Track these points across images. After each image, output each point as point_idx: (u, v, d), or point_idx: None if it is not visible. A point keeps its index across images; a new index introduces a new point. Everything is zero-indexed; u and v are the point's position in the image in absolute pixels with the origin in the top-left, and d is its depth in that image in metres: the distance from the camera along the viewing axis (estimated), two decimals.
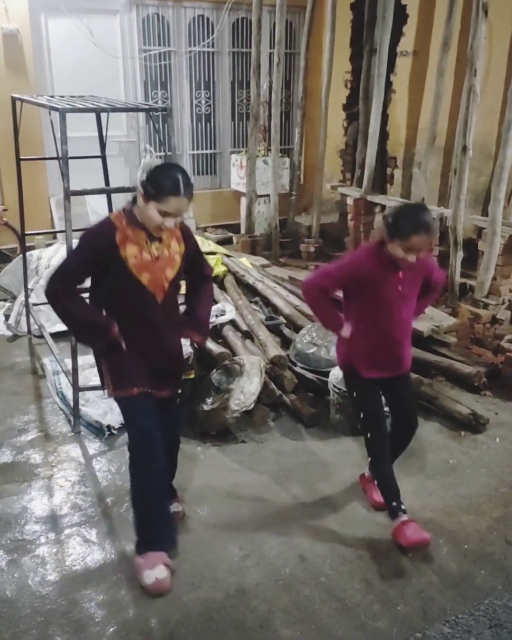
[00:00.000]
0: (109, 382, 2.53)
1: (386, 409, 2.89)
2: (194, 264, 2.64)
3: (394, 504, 2.73)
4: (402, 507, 2.73)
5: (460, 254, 5.16)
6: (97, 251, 2.38)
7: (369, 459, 2.85)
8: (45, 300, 4.98)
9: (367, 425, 2.80)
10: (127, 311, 2.46)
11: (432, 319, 4.48)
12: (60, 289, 2.39)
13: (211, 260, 5.21)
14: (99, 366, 2.62)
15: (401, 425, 2.91)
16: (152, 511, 2.53)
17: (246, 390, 3.45)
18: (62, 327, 4.61)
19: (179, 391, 2.73)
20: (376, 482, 2.87)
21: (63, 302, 2.43)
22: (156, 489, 2.52)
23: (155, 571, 2.45)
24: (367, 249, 2.66)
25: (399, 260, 2.51)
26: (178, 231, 2.52)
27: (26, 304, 4.78)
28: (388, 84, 6.26)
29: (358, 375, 2.73)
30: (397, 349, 2.71)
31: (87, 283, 2.50)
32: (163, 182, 2.28)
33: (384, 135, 6.49)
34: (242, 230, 7.14)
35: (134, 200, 2.40)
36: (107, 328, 2.42)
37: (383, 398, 2.84)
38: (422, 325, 4.34)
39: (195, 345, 2.88)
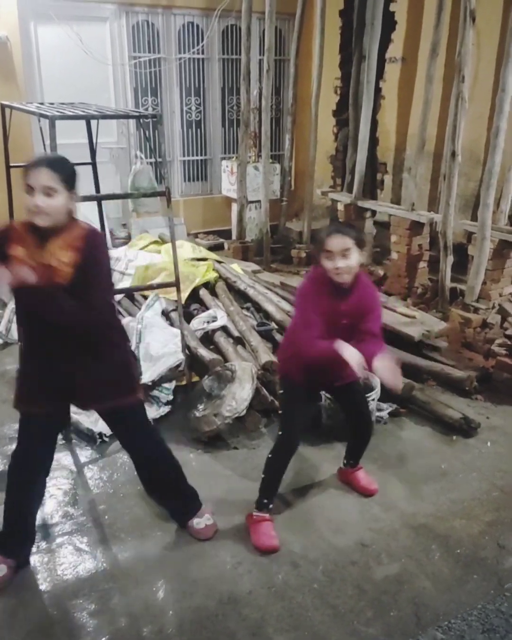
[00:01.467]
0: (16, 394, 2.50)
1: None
2: (80, 285, 2.23)
3: (266, 500, 2.81)
4: (271, 506, 2.82)
5: (450, 259, 5.19)
6: None
7: (269, 456, 2.83)
8: None
9: (282, 425, 2.86)
10: (24, 316, 2.40)
11: (423, 324, 4.50)
12: None
13: (202, 266, 5.22)
14: None
15: (357, 423, 3.02)
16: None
17: (238, 396, 3.45)
18: None
19: (128, 404, 2.53)
20: (263, 478, 2.84)
21: None
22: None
23: None
24: (315, 277, 2.63)
25: (331, 272, 2.50)
26: (79, 240, 2.25)
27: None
28: (377, 90, 6.30)
29: (292, 383, 2.80)
30: (335, 370, 2.66)
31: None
32: (26, 166, 2.22)
33: (374, 141, 6.52)
34: (234, 236, 7.16)
35: None
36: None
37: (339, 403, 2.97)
38: (413, 330, 4.36)
39: None
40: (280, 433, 2.83)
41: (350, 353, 2.43)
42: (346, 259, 2.48)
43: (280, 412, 2.94)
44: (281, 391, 2.94)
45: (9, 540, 2.59)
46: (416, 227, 5.54)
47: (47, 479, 2.69)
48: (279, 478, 2.85)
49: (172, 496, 2.81)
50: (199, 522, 2.80)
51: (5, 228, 2.33)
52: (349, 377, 2.75)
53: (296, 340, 2.66)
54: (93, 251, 2.27)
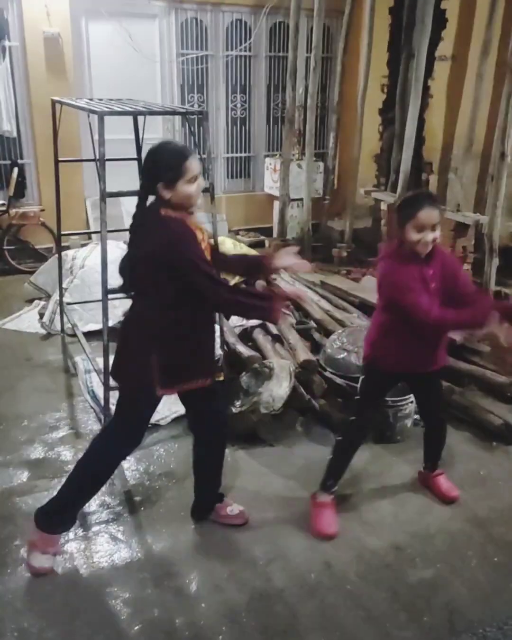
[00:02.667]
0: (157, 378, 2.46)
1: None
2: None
3: (331, 482, 2.88)
4: (335, 489, 2.89)
5: (495, 262, 5.09)
6: (197, 240, 2.39)
7: (338, 438, 2.90)
8: (79, 300, 5.06)
9: (358, 410, 2.87)
10: (192, 298, 2.41)
11: None
12: (223, 289, 2.39)
13: None
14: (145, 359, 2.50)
15: (429, 426, 3.02)
16: (89, 498, 2.72)
17: (275, 394, 3.44)
18: (94, 326, 4.70)
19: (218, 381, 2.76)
20: (330, 459, 2.90)
21: (229, 297, 2.42)
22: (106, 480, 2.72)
23: (44, 558, 2.57)
24: (389, 254, 2.62)
25: (419, 244, 2.49)
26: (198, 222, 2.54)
27: (60, 303, 4.85)
28: (425, 89, 6.20)
29: (377, 370, 2.77)
30: (429, 348, 2.71)
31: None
32: (172, 159, 2.29)
33: (420, 141, 6.43)
34: (275, 234, 7.15)
35: (159, 203, 2.37)
36: (269, 302, 2.45)
37: (414, 397, 2.93)
38: (455, 333, 4.28)
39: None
40: (353, 418, 2.86)
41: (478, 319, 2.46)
42: (435, 231, 2.49)
43: (358, 397, 2.89)
44: (364, 377, 2.89)
45: (69, 520, 2.67)
46: (460, 229, 5.45)
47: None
48: (348, 461, 2.91)
49: (216, 486, 2.88)
50: (232, 509, 2.87)
51: (182, 221, 2.37)
52: (439, 363, 2.78)
53: (414, 312, 2.47)
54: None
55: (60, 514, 2.62)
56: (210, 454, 2.81)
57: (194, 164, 2.31)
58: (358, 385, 2.92)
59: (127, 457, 3.26)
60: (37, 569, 2.56)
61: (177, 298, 2.39)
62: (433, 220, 2.47)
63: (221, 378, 3.89)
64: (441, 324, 2.54)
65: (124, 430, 2.62)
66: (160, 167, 2.30)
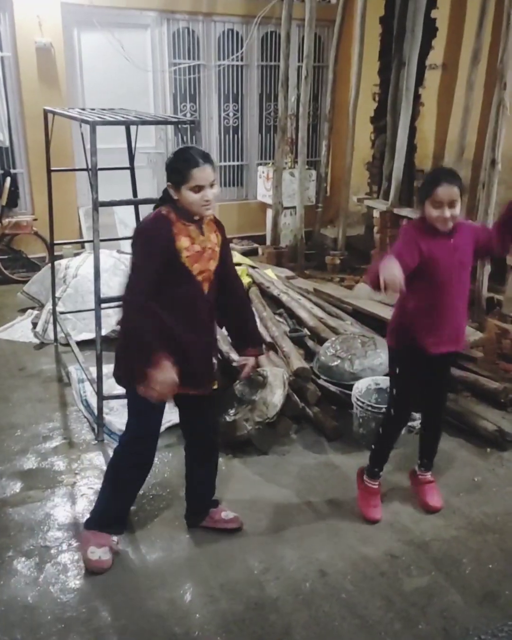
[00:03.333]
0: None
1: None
2: (228, 263, 2.62)
3: (376, 469, 2.98)
4: (381, 474, 3.00)
5: (487, 268, 5.11)
6: (162, 248, 2.36)
7: (380, 431, 2.96)
8: (72, 309, 5.06)
9: (396, 402, 2.88)
10: (178, 303, 2.42)
11: None
12: (142, 302, 2.33)
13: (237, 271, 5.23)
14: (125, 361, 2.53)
15: (430, 412, 3.01)
16: (128, 500, 2.73)
17: (269, 402, 3.44)
18: (88, 335, 4.69)
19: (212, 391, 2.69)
20: (373, 447, 2.99)
21: (139, 318, 2.35)
22: (140, 482, 2.71)
23: (101, 551, 2.61)
24: (413, 226, 2.68)
25: (438, 220, 2.53)
26: (213, 224, 2.53)
27: (53, 312, 4.85)
28: (416, 97, 6.25)
29: (415, 353, 2.72)
30: (459, 319, 2.75)
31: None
32: (179, 164, 2.34)
33: (411, 148, 6.47)
34: (268, 242, 7.17)
35: (164, 200, 2.43)
36: (156, 360, 2.30)
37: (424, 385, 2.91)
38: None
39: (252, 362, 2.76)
40: (391, 410, 2.88)
41: (387, 267, 2.35)
42: (453, 208, 2.51)
43: (391, 389, 2.90)
44: (392, 366, 2.89)
45: (121, 518, 2.74)
46: None
47: (80, 479, 2.76)
48: (390, 449, 3.00)
49: (209, 492, 2.87)
50: (227, 514, 2.87)
51: (165, 221, 2.38)
52: (461, 342, 2.80)
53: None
54: (224, 232, 2.59)
55: (105, 515, 2.68)
56: (201, 461, 2.81)
57: (200, 174, 2.31)
58: (389, 382, 2.96)
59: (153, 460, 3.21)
60: (94, 562, 2.60)
61: (156, 297, 2.38)
62: (451, 197, 2.49)
63: (215, 387, 3.89)
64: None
65: (137, 433, 2.62)
66: (171, 169, 2.37)
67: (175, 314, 2.43)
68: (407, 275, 2.54)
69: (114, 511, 2.70)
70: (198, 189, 2.33)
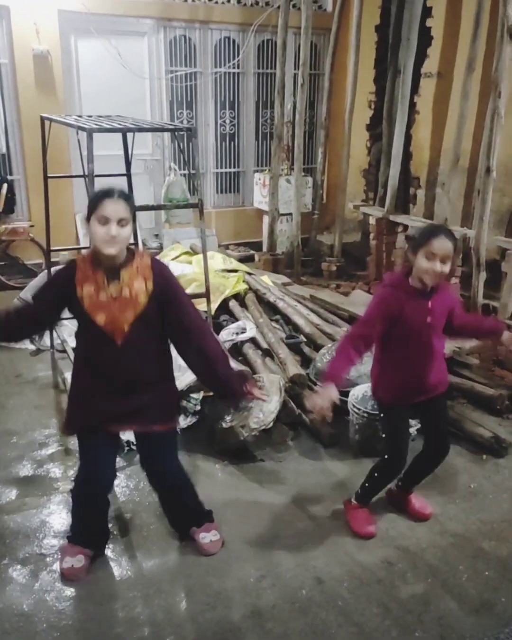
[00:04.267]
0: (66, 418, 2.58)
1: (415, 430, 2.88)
2: (171, 314, 2.39)
3: (366, 499, 2.96)
4: (368, 502, 2.98)
5: (483, 275, 5.12)
6: (55, 286, 2.41)
7: (375, 474, 2.90)
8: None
9: (389, 448, 2.83)
10: (87, 349, 2.44)
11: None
12: (20, 300, 2.44)
13: (233, 278, 5.25)
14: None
15: (432, 448, 2.94)
16: (88, 522, 2.71)
17: (265, 408, 3.44)
18: None
19: (168, 429, 2.57)
20: (367, 484, 2.94)
21: (11, 309, 2.45)
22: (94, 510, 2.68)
23: (74, 559, 2.61)
24: (392, 282, 2.66)
25: (427, 273, 2.49)
26: (148, 270, 2.35)
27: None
28: (412, 105, 6.29)
29: (400, 404, 2.77)
30: (427, 378, 2.70)
31: None
32: (94, 195, 2.33)
33: (407, 156, 6.51)
34: (264, 248, 7.18)
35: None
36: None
37: (419, 420, 2.91)
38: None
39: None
40: (387, 457, 2.82)
41: (322, 394, 2.49)
42: (445, 264, 2.49)
43: (384, 435, 2.86)
44: (381, 414, 2.88)
45: (86, 536, 2.71)
46: None
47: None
48: (380, 490, 2.99)
49: (186, 517, 2.82)
50: (205, 536, 2.77)
51: (70, 269, 2.38)
52: (443, 385, 2.80)
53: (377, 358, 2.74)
54: (165, 278, 2.39)
55: (74, 527, 2.72)
56: (162, 497, 2.79)
57: (111, 205, 2.23)
58: (381, 427, 2.95)
59: (117, 474, 3.24)
60: (66, 570, 2.62)
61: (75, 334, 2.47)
62: (446, 251, 2.46)
63: (211, 393, 3.88)
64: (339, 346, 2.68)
65: (81, 472, 2.63)
66: (89, 200, 2.35)
67: (88, 361, 2.44)
68: (379, 335, 2.66)
69: (79, 528, 2.70)
70: (104, 220, 2.23)
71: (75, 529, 2.72)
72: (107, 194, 2.27)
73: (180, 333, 2.44)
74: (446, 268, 2.50)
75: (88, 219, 2.30)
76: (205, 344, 2.45)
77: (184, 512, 2.81)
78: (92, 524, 2.71)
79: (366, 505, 2.97)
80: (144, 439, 2.61)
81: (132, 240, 2.51)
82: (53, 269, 2.52)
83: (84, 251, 2.45)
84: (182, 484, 2.74)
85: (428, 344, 2.63)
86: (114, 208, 2.24)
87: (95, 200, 2.28)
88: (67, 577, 2.60)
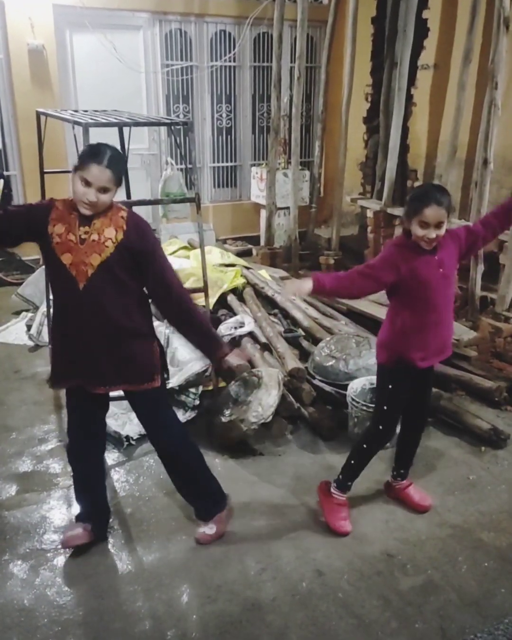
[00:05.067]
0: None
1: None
2: (148, 273, 2.42)
3: (349, 483, 2.94)
4: (350, 487, 2.96)
5: (481, 267, 5.13)
6: (31, 212, 2.39)
7: (363, 446, 2.88)
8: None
9: (384, 418, 2.83)
10: (55, 291, 2.47)
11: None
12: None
13: (230, 272, 5.24)
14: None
15: (415, 420, 2.96)
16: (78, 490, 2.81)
17: (264, 402, 3.45)
18: None
19: (145, 389, 2.55)
20: (350, 463, 2.91)
21: None
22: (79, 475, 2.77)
23: (73, 531, 2.72)
24: (397, 242, 2.66)
25: (422, 240, 2.52)
26: (121, 220, 2.37)
27: (48, 315, 4.83)
28: (409, 97, 6.26)
29: (406, 368, 2.72)
30: (446, 331, 2.75)
31: None
32: (86, 150, 2.31)
33: (404, 148, 6.48)
34: (262, 242, 7.17)
35: None
36: None
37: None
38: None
39: (221, 362, 2.69)
40: (379, 425, 2.83)
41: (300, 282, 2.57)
42: (439, 229, 2.50)
43: (381, 405, 2.83)
44: (382, 383, 2.84)
45: (87, 515, 2.79)
46: None
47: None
48: (366, 465, 2.94)
49: (196, 489, 2.83)
50: (200, 529, 2.79)
51: (48, 206, 2.39)
52: (449, 349, 2.81)
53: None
54: (140, 231, 2.39)
55: (78, 502, 2.84)
56: (168, 467, 2.80)
57: (94, 170, 2.23)
58: (378, 398, 2.88)
59: (117, 469, 3.25)
60: (66, 535, 2.73)
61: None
62: (438, 219, 2.48)
63: (210, 388, 3.89)
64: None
65: (67, 420, 2.71)
66: (80, 152, 2.36)
67: (57, 305, 2.47)
68: (389, 291, 2.67)
69: (79, 499, 2.82)
70: (85, 183, 2.25)
71: (79, 504, 2.81)
72: (96, 157, 2.25)
73: (161, 288, 2.45)
74: (442, 231, 2.52)
75: (74, 170, 2.29)
76: (185, 297, 2.49)
77: (195, 488, 2.81)
78: (88, 491, 2.76)
79: (346, 492, 2.93)
80: (132, 400, 2.64)
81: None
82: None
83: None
84: (185, 449, 2.73)
85: (444, 295, 2.66)
86: (98, 175, 2.24)
87: (84, 158, 2.27)
88: (65, 543, 2.70)
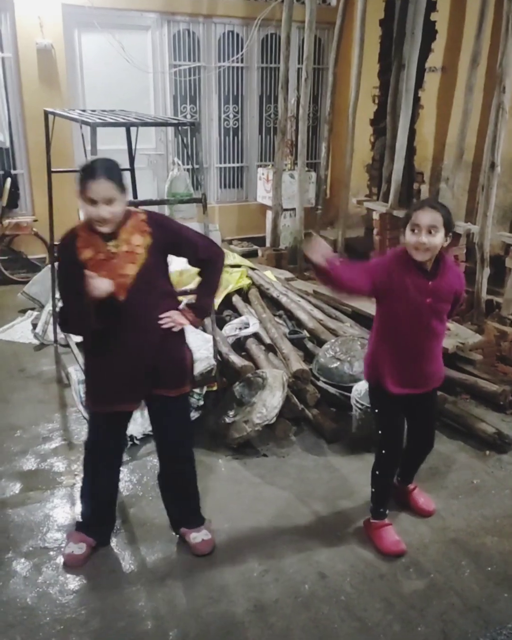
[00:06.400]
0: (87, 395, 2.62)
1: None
2: (181, 248, 2.52)
3: (382, 509, 2.84)
4: (387, 512, 2.85)
5: (487, 271, 5.12)
6: (68, 258, 2.38)
7: (376, 473, 2.83)
8: None
9: (384, 443, 2.78)
10: (101, 315, 2.39)
11: (457, 336, 4.44)
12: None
13: (236, 273, 5.24)
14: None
15: (418, 444, 2.91)
16: (92, 504, 2.76)
17: (268, 403, 3.45)
18: None
19: (179, 394, 2.58)
20: (372, 490, 2.85)
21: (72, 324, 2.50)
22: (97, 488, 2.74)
23: (76, 546, 2.66)
24: (395, 254, 2.59)
25: (413, 246, 2.43)
26: (144, 225, 2.39)
27: (53, 314, 4.85)
28: (416, 100, 6.26)
29: (383, 391, 2.66)
30: (424, 363, 2.63)
31: None
32: (80, 173, 2.29)
33: (411, 150, 6.48)
34: (268, 244, 7.17)
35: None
36: (88, 315, 2.34)
37: (407, 416, 2.80)
38: (447, 342, 4.30)
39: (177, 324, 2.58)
40: (382, 451, 2.77)
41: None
42: (431, 236, 2.40)
43: (377, 430, 2.78)
44: (373, 406, 2.80)
45: (92, 523, 2.74)
46: (452, 238, 5.47)
47: (79, 480, 2.75)
48: (390, 487, 2.88)
49: (195, 493, 2.82)
50: (197, 536, 2.74)
51: (71, 236, 2.39)
52: (436, 381, 2.73)
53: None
54: (162, 227, 2.44)
55: (83, 512, 2.78)
56: (167, 478, 2.78)
57: (95, 187, 2.23)
58: (374, 419, 2.83)
59: (121, 468, 3.24)
60: (67, 555, 2.67)
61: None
62: (430, 222, 2.39)
63: (214, 388, 3.89)
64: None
65: (87, 449, 2.69)
66: (77, 177, 2.32)
67: (97, 332, 2.42)
68: (377, 304, 2.60)
69: (87, 511, 2.75)
70: (91, 202, 2.25)
71: (84, 514, 2.76)
72: (89, 174, 2.25)
73: (199, 253, 2.55)
74: (434, 239, 2.40)
75: (79, 196, 2.29)
76: (216, 262, 2.62)
77: (184, 503, 2.80)
78: (99, 503, 2.73)
79: (383, 518, 2.84)
80: (158, 405, 2.61)
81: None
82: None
83: (80, 222, 2.43)
84: (190, 465, 2.75)
85: (428, 327, 2.54)
86: (97, 189, 2.23)
87: (80, 181, 2.27)
88: (66, 562, 2.65)
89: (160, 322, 2.45)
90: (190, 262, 2.62)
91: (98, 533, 2.75)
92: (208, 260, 2.59)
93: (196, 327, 2.77)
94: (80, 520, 2.78)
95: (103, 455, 2.68)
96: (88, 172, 2.25)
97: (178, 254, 2.55)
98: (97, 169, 2.25)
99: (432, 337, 2.61)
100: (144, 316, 2.43)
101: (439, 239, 2.43)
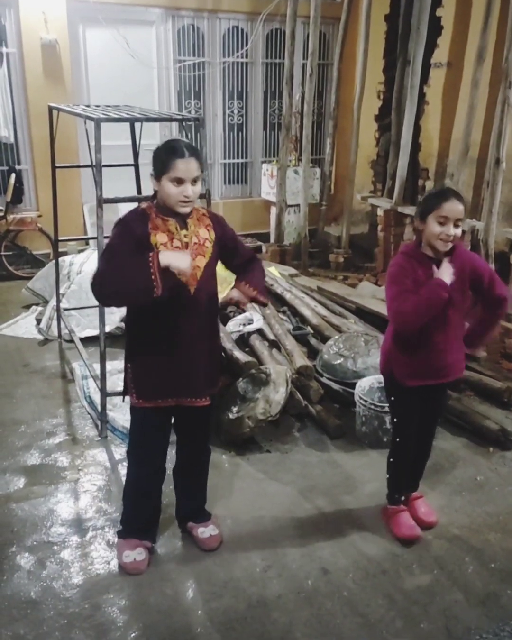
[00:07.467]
0: (132, 389, 2.51)
1: None
2: (233, 252, 2.55)
3: (397, 495, 2.90)
4: (403, 498, 2.92)
5: (491, 267, 5.10)
6: (134, 236, 2.27)
7: (391, 460, 2.86)
8: (76, 305, 5.06)
9: (398, 431, 2.81)
10: (162, 308, 2.33)
11: None
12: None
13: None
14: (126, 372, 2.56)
15: (422, 433, 2.89)
16: (142, 508, 2.69)
17: (272, 399, 3.45)
18: (92, 331, 4.70)
19: (215, 391, 2.63)
20: (388, 476, 2.90)
21: (113, 287, 2.25)
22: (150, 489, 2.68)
23: (135, 552, 2.61)
24: (406, 250, 2.57)
25: (439, 237, 2.41)
26: (207, 219, 2.42)
27: (57, 309, 4.85)
28: (421, 95, 6.24)
29: (398, 382, 2.67)
30: (440, 356, 2.60)
31: None
32: (163, 153, 2.26)
33: (416, 147, 6.46)
34: (272, 240, 7.17)
35: (154, 196, 2.36)
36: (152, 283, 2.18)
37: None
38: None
39: (252, 301, 2.60)
40: (396, 439, 2.80)
41: (445, 270, 2.41)
42: (457, 227, 2.42)
43: (392, 416, 2.83)
44: (389, 394, 2.80)
45: (144, 526, 2.70)
46: None
47: (83, 475, 2.74)
48: (405, 474, 2.90)
49: (198, 493, 2.82)
50: (204, 531, 2.75)
51: (142, 215, 2.32)
52: (458, 372, 2.71)
53: (393, 318, 2.52)
54: (222, 226, 2.48)
55: (128, 518, 2.69)
56: (185, 469, 2.78)
57: (184, 165, 2.21)
58: (389, 407, 2.87)
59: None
60: (129, 564, 2.60)
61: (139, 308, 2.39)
62: (457, 214, 2.40)
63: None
64: (399, 314, 2.47)
65: (132, 450, 2.65)
66: (155, 158, 2.28)
67: (160, 323, 2.36)
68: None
69: (133, 518, 2.68)
70: (178, 182, 2.23)
71: (130, 520, 2.68)
72: (176, 152, 2.22)
73: (246, 262, 2.60)
74: (459, 231, 2.44)
75: (157, 177, 2.26)
76: (256, 264, 2.65)
77: (196, 496, 2.81)
78: (146, 507, 2.68)
79: (399, 504, 2.89)
80: (185, 413, 2.57)
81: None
82: (120, 219, 2.36)
83: (143, 203, 2.39)
84: (207, 459, 2.78)
85: (444, 318, 2.51)
86: (186, 168, 2.22)
87: (167, 160, 2.22)
88: (129, 570, 2.58)
89: (228, 297, 2.50)
90: (230, 266, 2.61)
91: (151, 533, 2.72)
92: (251, 259, 2.64)
93: (265, 305, 2.77)
94: (129, 525, 2.69)
95: (155, 452, 2.60)
96: (175, 151, 2.23)
97: (222, 256, 2.51)
98: (185, 148, 2.24)
99: (449, 329, 2.57)
100: (208, 310, 2.43)
101: (460, 230, 2.47)
